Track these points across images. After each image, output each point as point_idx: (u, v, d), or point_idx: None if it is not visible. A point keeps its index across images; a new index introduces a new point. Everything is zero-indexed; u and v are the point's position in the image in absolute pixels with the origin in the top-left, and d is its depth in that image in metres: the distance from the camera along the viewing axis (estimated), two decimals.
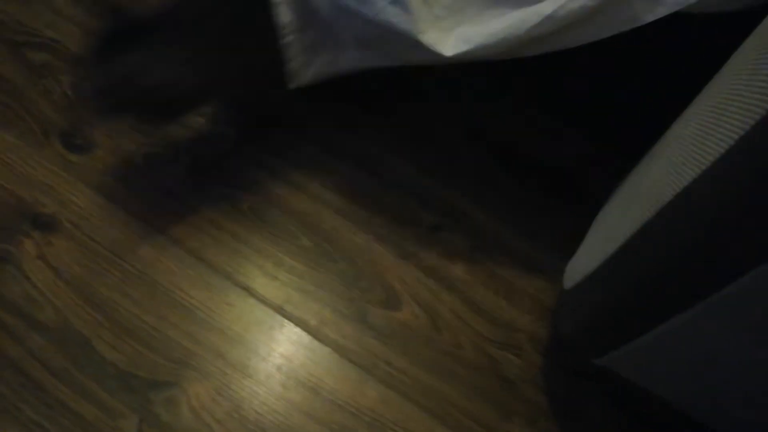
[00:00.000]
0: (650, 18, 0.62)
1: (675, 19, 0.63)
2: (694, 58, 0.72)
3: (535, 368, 0.82)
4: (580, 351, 0.72)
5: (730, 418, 0.62)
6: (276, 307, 0.82)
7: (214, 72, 0.77)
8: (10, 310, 0.78)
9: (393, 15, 0.65)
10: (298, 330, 0.81)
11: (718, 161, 0.45)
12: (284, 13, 0.71)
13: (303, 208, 0.90)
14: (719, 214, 0.44)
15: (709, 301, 0.46)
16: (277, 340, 0.80)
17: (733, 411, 0.60)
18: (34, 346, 0.76)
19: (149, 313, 0.79)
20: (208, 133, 0.94)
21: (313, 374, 0.78)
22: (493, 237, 0.91)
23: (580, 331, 0.69)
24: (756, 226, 0.41)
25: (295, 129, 0.96)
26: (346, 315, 0.83)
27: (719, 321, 0.48)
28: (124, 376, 0.75)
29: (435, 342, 0.83)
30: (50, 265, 0.81)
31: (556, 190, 0.95)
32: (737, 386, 0.55)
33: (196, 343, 0.78)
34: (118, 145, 0.91)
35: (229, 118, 0.95)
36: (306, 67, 0.77)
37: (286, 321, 0.81)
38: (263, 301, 0.82)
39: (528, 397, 0.80)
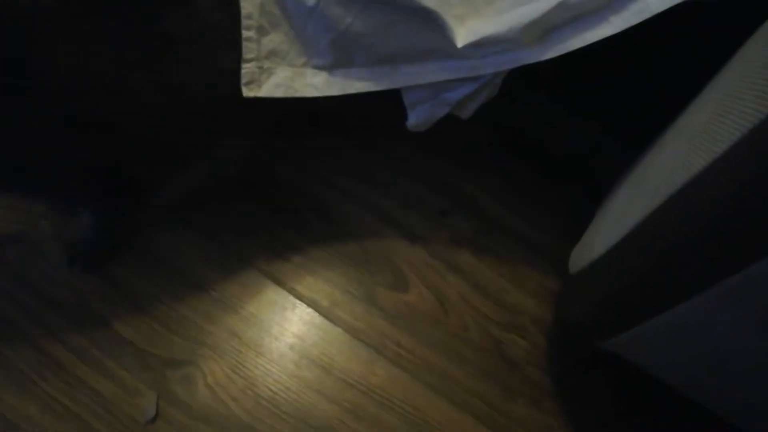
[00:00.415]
0: (661, 8, 0.63)
1: (684, 8, 0.63)
2: (702, 47, 0.74)
3: (539, 350, 0.84)
4: (585, 335, 0.74)
5: (735, 402, 0.64)
6: (288, 288, 0.84)
7: None
8: (29, 290, 0.79)
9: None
10: (309, 310, 0.83)
11: (730, 150, 0.46)
12: (248, 1, 0.62)
13: (313, 191, 0.91)
14: (730, 203, 0.46)
15: (717, 287, 0.48)
16: (289, 320, 0.82)
17: (738, 396, 0.62)
18: (53, 325, 0.77)
19: (165, 293, 0.81)
20: None
21: (324, 353, 0.80)
22: (499, 222, 0.93)
23: (585, 315, 0.71)
24: (766, 214, 0.42)
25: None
26: (356, 296, 0.85)
27: (727, 307, 0.50)
28: (141, 355, 0.77)
29: (442, 323, 0.85)
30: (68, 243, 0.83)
31: (562, 177, 0.97)
32: (743, 372, 0.57)
33: (211, 322, 0.80)
34: None
35: None
36: (266, 75, 0.66)
37: (298, 302, 0.83)
38: (276, 281, 0.84)
39: (532, 379, 0.83)
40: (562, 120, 1.01)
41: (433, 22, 0.65)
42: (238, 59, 0.64)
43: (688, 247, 0.52)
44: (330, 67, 0.68)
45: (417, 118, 0.76)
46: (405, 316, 0.85)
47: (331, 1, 0.63)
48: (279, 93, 0.66)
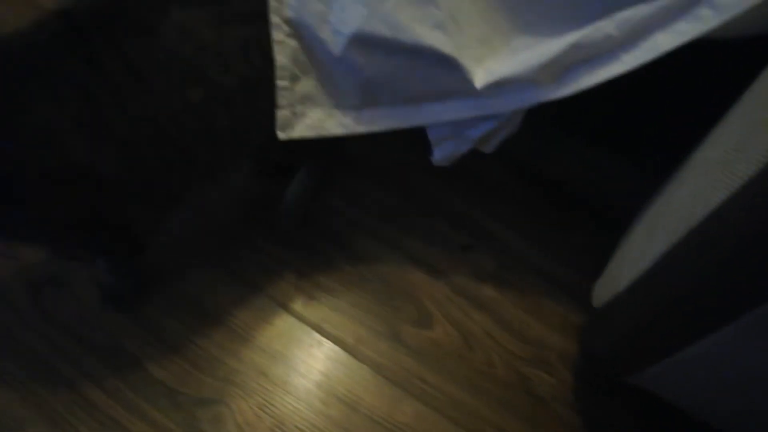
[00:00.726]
0: (671, 46, 0.64)
1: (695, 45, 0.65)
2: (717, 82, 0.75)
3: (565, 385, 0.84)
4: (612, 369, 0.74)
5: (764, 430, 0.63)
6: (314, 326, 0.85)
7: None
8: (65, 331, 0.82)
9: (435, 39, 0.67)
10: (335, 348, 0.84)
11: (748, 184, 0.47)
12: (282, 54, 0.67)
13: (336, 229, 0.93)
14: (751, 234, 0.47)
15: (746, 317, 0.49)
16: (315, 357, 0.83)
17: (766, 423, 0.61)
18: (88, 367, 0.80)
19: (194, 332, 0.83)
20: None
21: (351, 391, 0.81)
22: (521, 257, 0.94)
23: (611, 349, 0.71)
24: None
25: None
26: (381, 333, 0.86)
27: (757, 336, 0.50)
28: (172, 394, 0.78)
29: (467, 359, 0.85)
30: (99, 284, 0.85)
31: (581, 212, 0.98)
32: None
33: (238, 361, 0.81)
34: None
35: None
36: (298, 118, 0.70)
37: (324, 339, 0.85)
38: (302, 319, 0.85)
39: (559, 414, 0.82)
40: (581, 155, 1.03)
41: (452, 66, 0.68)
42: (205, 92, 0.64)
43: (713, 279, 0.53)
44: (358, 108, 0.72)
45: (442, 153, 0.78)
46: (430, 352, 0.85)
47: (357, 49, 0.66)
48: (311, 134, 0.69)
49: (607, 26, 0.65)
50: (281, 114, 0.68)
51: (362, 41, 0.65)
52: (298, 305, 0.87)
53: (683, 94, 0.87)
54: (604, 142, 1.03)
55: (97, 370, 0.79)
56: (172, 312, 0.84)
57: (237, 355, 0.82)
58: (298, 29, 0.66)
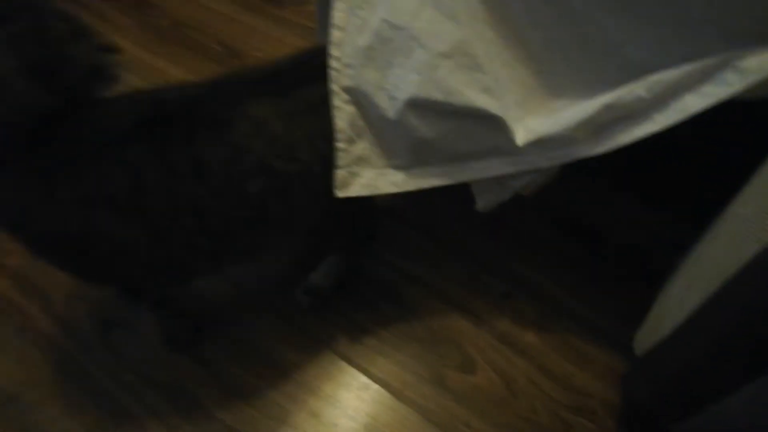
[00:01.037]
0: (700, 108, 0.68)
1: (725, 106, 0.69)
2: (752, 141, 0.78)
3: None
4: (657, 417, 0.75)
5: None
6: (362, 369, 0.89)
7: None
8: (130, 369, 0.88)
9: (483, 101, 0.74)
10: (382, 391, 0.88)
11: None
12: (340, 118, 0.73)
13: (382, 277, 0.98)
14: None
15: None
16: (363, 400, 0.87)
17: None
18: (152, 402, 0.85)
19: (251, 374, 0.88)
20: None
21: None
22: (561, 305, 0.97)
23: (656, 397, 0.73)
24: None
25: None
26: (426, 378, 0.89)
27: None
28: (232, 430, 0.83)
29: (511, 406, 0.87)
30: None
31: (622, 262, 1.01)
32: None
33: (292, 402, 0.85)
34: None
35: None
36: (354, 178, 0.75)
37: (371, 382, 0.88)
38: (350, 363, 0.90)
39: None
40: (620, 206, 1.06)
41: (497, 126, 0.74)
42: (264, 182, 0.68)
43: (749, 328, 0.55)
44: (408, 167, 0.78)
45: (485, 202, 0.83)
46: (473, 397, 0.88)
47: (411, 113, 0.73)
48: (365, 192, 0.75)
49: (638, 89, 0.70)
50: (339, 174, 0.74)
51: (416, 105, 0.72)
52: (347, 350, 0.91)
53: (720, 151, 0.90)
54: (644, 195, 1.06)
55: (159, 406, 0.85)
56: (231, 354, 0.90)
57: (291, 396, 0.86)
58: (355, 96, 0.74)
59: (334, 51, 0.74)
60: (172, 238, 0.66)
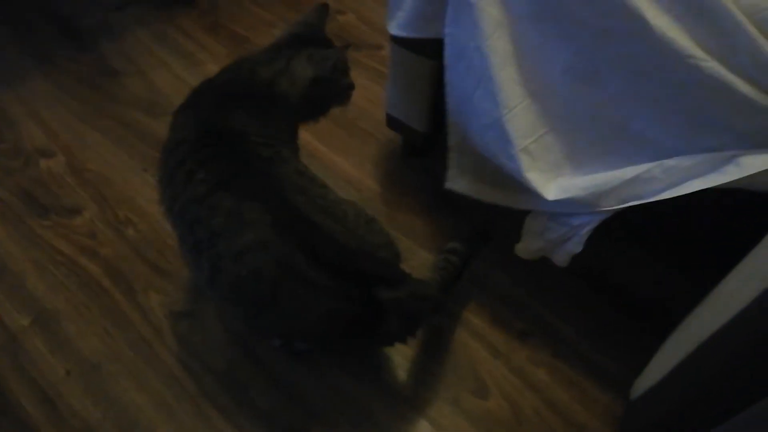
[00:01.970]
0: (700, 188, 0.78)
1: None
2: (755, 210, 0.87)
3: None
4: None
5: None
6: (387, 383, 1.02)
7: None
8: (192, 355, 1.03)
9: (510, 164, 0.90)
10: (405, 404, 1.00)
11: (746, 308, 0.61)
12: (451, 137, 1.03)
13: None
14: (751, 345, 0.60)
15: (750, 409, 0.61)
16: (388, 411, 0.99)
17: None
18: (207, 385, 1.00)
19: (297, 372, 1.02)
20: None
21: None
22: (573, 348, 1.07)
23: None
24: None
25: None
26: (444, 397, 1.01)
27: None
28: (269, 417, 0.97)
29: (515, 431, 0.98)
30: (225, 324, 1.07)
31: (634, 313, 1.10)
32: None
33: (327, 401, 0.99)
34: None
35: None
36: (459, 178, 1.06)
37: (395, 395, 1.01)
38: (380, 376, 1.02)
39: None
40: (642, 265, 1.16)
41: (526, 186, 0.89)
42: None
43: (721, 381, 0.65)
44: (482, 183, 1.05)
45: (526, 246, 1.03)
46: (484, 420, 0.99)
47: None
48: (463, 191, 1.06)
49: (656, 170, 0.82)
50: (449, 173, 1.06)
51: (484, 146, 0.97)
52: (376, 361, 1.04)
53: (730, 228, 0.99)
54: (666, 257, 1.16)
55: (214, 390, 0.99)
56: (282, 357, 1.04)
57: (324, 396, 1.00)
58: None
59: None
60: None
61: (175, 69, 1.53)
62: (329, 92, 0.98)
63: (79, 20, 1.66)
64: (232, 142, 0.84)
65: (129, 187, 1.28)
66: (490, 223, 1.11)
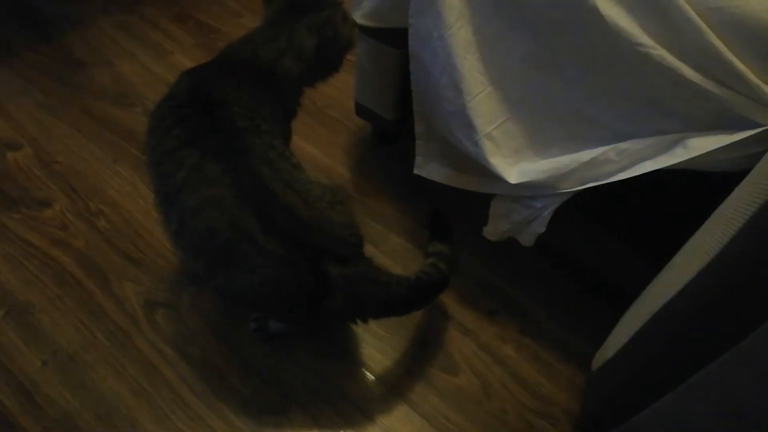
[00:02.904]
0: (652, 169, 0.82)
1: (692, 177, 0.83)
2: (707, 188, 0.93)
3: None
4: (601, 423, 0.90)
5: None
6: (363, 363, 1.05)
7: None
8: (169, 343, 1.05)
9: (474, 150, 0.94)
10: (378, 383, 1.04)
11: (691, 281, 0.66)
12: (418, 125, 1.06)
13: None
14: (697, 319, 0.65)
15: (691, 381, 0.66)
16: (363, 390, 1.03)
17: None
18: (184, 373, 1.02)
19: (270, 357, 1.04)
20: None
21: (383, 422, 1.00)
22: (539, 325, 1.12)
23: (600, 406, 0.88)
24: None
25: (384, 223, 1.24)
26: (414, 374, 1.05)
27: (695, 401, 0.67)
28: (246, 403, 0.99)
29: (484, 405, 1.02)
30: (200, 312, 1.09)
31: (595, 289, 1.16)
32: None
33: (300, 382, 1.02)
34: None
35: None
36: (426, 164, 1.10)
37: (369, 375, 1.04)
38: (353, 359, 1.06)
39: None
40: (601, 244, 1.21)
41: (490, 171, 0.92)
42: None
43: (668, 351, 0.70)
44: (450, 168, 1.09)
45: (493, 229, 1.07)
46: (454, 395, 1.03)
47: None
48: (431, 177, 1.10)
49: (610, 152, 0.86)
50: (417, 160, 1.10)
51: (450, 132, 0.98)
52: (351, 346, 1.07)
53: (681, 207, 1.04)
54: (623, 236, 1.21)
55: (191, 377, 1.02)
56: (252, 336, 1.06)
57: (299, 376, 1.03)
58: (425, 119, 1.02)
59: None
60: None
61: (142, 59, 1.53)
62: (336, 49, 1.01)
63: (41, 10, 1.63)
64: (212, 109, 0.88)
65: (99, 178, 1.28)
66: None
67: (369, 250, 0.97)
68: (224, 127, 0.85)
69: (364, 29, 1.07)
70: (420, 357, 1.07)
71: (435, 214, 1.06)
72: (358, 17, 1.04)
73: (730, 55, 0.71)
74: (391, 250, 1.20)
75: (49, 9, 1.64)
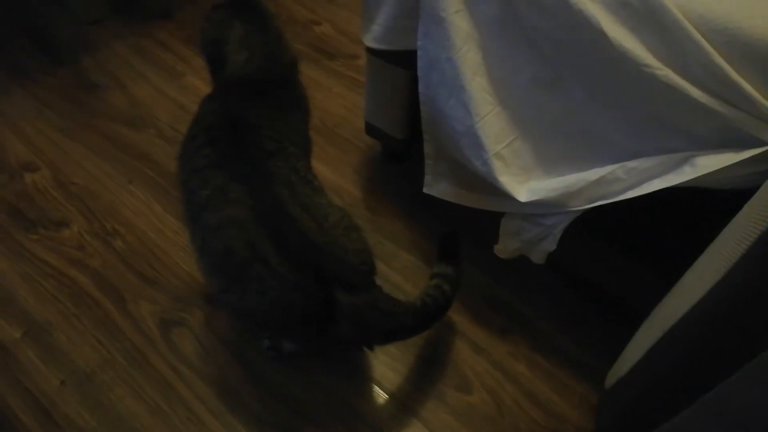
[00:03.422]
0: (661, 187, 0.83)
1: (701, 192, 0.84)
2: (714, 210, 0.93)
3: None
4: None
5: None
6: (375, 381, 1.06)
7: None
8: (184, 361, 1.06)
9: (483, 169, 0.95)
10: (391, 401, 1.04)
11: (697, 303, 0.66)
12: (427, 145, 1.07)
13: None
14: (703, 343, 0.65)
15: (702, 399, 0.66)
16: (375, 408, 1.03)
17: None
18: (200, 391, 1.03)
19: (280, 374, 1.05)
20: None
21: None
22: (552, 342, 1.12)
23: (614, 424, 0.88)
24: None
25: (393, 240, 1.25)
26: (428, 392, 1.05)
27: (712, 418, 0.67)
28: (260, 421, 1.00)
29: (498, 423, 1.03)
30: (215, 330, 1.10)
31: (607, 307, 1.16)
32: None
33: (312, 398, 1.03)
34: None
35: None
36: (435, 183, 1.11)
37: (382, 392, 1.05)
38: (366, 375, 1.07)
39: None
40: (614, 262, 1.21)
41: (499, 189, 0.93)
42: None
43: (683, 367, 0.71)
44: (458, 187, 1.11)
45: (503, 247, 1.07)
46: (467, 413, 1.03)
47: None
48: (442, 196, 1.11)
49: (619, 171, 0.87)
50: (426, 179, 1.11)
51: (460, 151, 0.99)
52: (365, 364, 1.08)
53: (691, 224, 1.05)
54: (634, 253, 1.21)
55: (206, 395, 1.03)
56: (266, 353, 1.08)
57: (309, 392, 1.03)
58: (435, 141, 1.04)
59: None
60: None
61: (155, 81, 1.56)
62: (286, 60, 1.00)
63: (55, 34, 1.67)
64: (243, 132, 0.90)
65: (115, 198, 1.30)
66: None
67: (380, 267, 0.98)
68: (251, 151, 0.88)
69: (373, 51, 1.09)
70: (432, 375, 1.07)
71: (447, 234, 1.06)
72: (368, 40, 1.06)
73: (735, 76, 0.72)
74: (402, 267, 1.21)
75: (63, 33, 1.68)
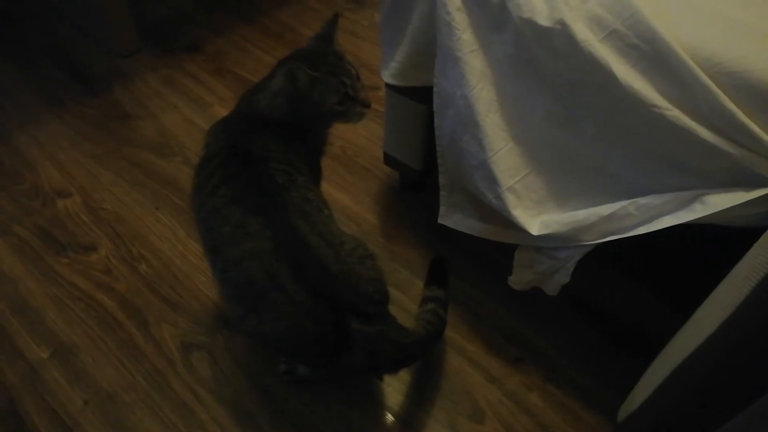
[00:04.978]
0: (672, 224, 0.84)
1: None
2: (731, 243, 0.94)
3: None
4: None
5: None
6: (389, 409, 1.07)
7: None
8: (203, 385, 1.09)
9: (497, 203, 0.97)
10: (404, 429, 1.05)
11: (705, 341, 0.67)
12: (442, 177, 1.09)
13: None
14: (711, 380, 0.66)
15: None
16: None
17: None
18: (217, 414, 1.06)
19: (289, 390, 1.07)
20: None
21: None
22: (564, 373, 1.13)
23: None
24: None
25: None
26: (440, 421, 1.06)
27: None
28: None
29: None
30: (234, 354, 1.13)
31: (622, 339, 1.16)
32: None
33: (326, 411, 1.04)
34: None
35: None
36: (450, 215, 1.13)
37: (394, 419, 1.06)
38: (380, 402, 1.08)
39: None
40: (628, 292, 1.22)
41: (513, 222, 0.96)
42: None
43: (692, 406, 0.71)
44: (478, 220, 1.11)
45: (518, 278, 1.08)
46: None
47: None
48: (456, 227, 1.12)
49: (630, 207, 0.89)
50: (441, 210, 1.12)
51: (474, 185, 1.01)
52: (377, 392, 1.10)
53: (703, 259, 1.05)
54: (650, 285, 1.22)
55: (223, 418, 1.05)
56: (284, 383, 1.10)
57: (329, 407, 1.05)
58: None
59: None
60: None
61: (185, 111, 1.62)
62: (302, 101, 0.98)
63: (90, 66, 1.76)
64: (254, 166, 0.94)
65: (142, 224, 1.35)
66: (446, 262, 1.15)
67: (396, 294, 1.00)
68: (265, 185, 0.92)
69: (392, 87, 1.13)
70: (446, 404, 1.09)
71: (437, 259, 1.12)
72: (387, 76, 1.10)
73: (743, 117, 0.74)
74: (417, 296, 1.22)
75: (97, 65, 1.76)
